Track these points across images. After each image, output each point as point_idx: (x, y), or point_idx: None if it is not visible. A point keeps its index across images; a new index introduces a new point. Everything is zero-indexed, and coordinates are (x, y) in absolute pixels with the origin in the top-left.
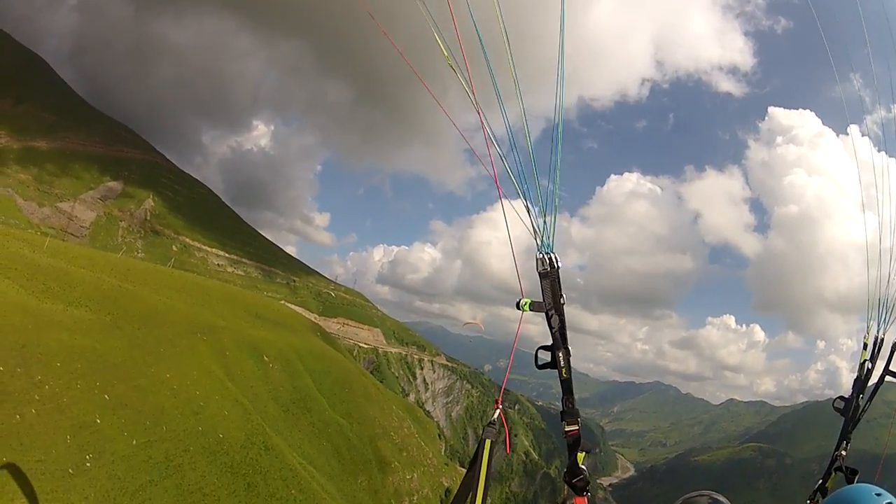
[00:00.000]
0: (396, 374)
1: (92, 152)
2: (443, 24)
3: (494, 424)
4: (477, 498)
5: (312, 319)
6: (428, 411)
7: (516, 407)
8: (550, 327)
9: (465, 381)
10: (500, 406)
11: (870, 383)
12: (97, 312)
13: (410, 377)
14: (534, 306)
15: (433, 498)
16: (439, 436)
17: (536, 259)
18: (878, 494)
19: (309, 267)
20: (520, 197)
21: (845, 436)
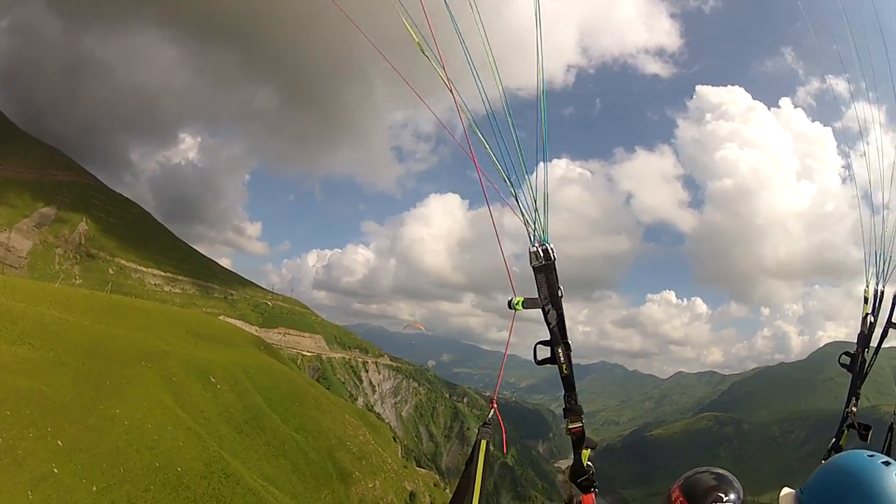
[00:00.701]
0: (342, 380)
1: (25, 178)
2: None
3: (489, 425)
4: (473, 498)
5: (253, 332)
6: (378, 414)
7: (465, 400)
8: (548, 323)
9: (411, 380)
10: (496, 406)
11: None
12: (40, 349)
13: (356, 381)
14: (527, 303)
15: (398, 503)
16: (394, 438)
17: (530, 252)
18: (871, 456)
19: (245, 278)
20: (508, 188)
21: (854, 392)
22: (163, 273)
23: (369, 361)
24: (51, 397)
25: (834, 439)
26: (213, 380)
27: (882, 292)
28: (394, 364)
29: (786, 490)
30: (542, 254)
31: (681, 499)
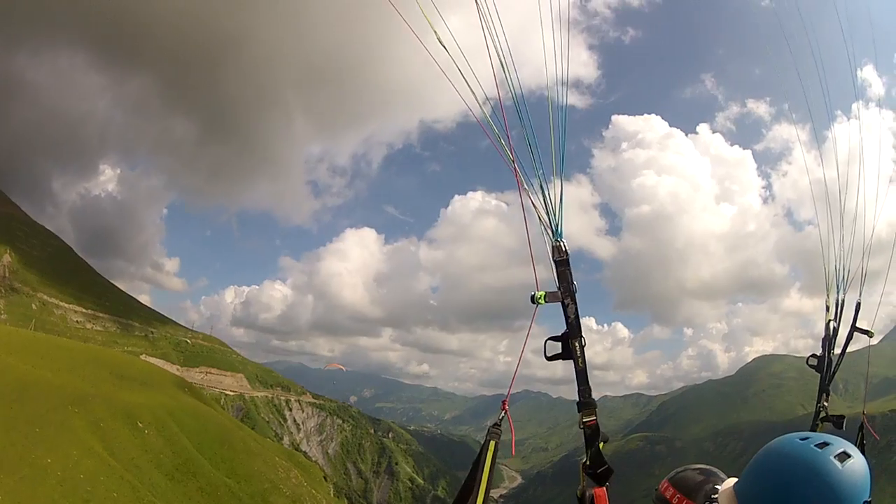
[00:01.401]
0: (266, 419)
1: None
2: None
3: (499, 426)
4: (478, 498)
5: (175, 371)
6: (305, 452)
7: (390, 435)
8: (566, 316)
9: (335, 417)
10: (507, 408)
11: (837, 341)
12: None
13: (281, 420)
14: (549, 297)
15: None
16: (324, 478)
17: (552, 247)
18: (804, 439)
19: (164, 316)
20: (528, 186)
21: (824, 388)
22: (84, 310)
23: (292, 399)
24: None
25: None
26: (140, 424)
27: (843, 300)
28: (317, 401)
29: (728, 482)
30: (563, 247)
31: (678, 495)
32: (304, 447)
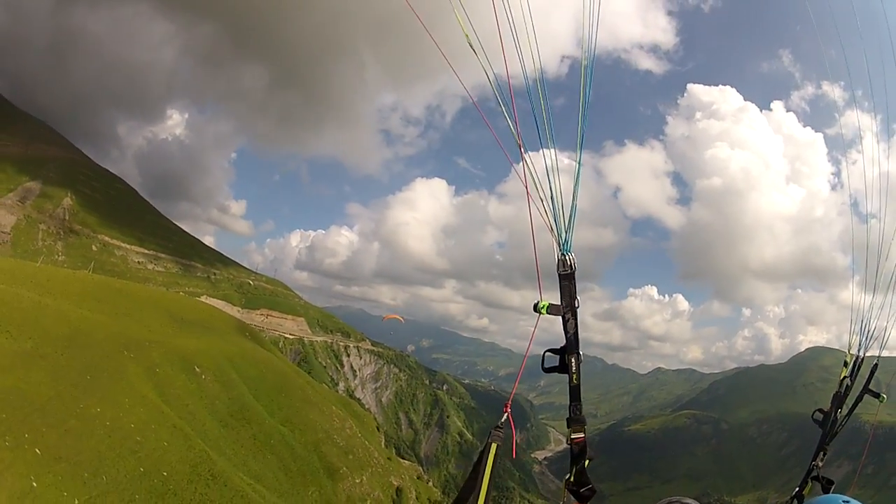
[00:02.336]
0: (324, 364)
1: (10, 153)
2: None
3: (501, 428)
4: (479, 500)
5: (236, 313)
6: (359, 399)
7: (444, 388)
8: (566, 331)
9: (391, 365)
10: (509, 410)
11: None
12: (17, 339)
13: (338, 365)
14: (551, 309)
15: (385, 499)
16: (378, 428)
17: (558, 260)
18: (846, 502)
19: (228, 258)
20: (540, 196)
21: (822, 447)
22: (146, 251)
23: (351, 346)
24: (28, 396)
25: (798, 488)
26: (197, 370)
27: (862, 359)
28: (375, 349)
29: None
30: (569, 261)
31: None
32: (358, 394)
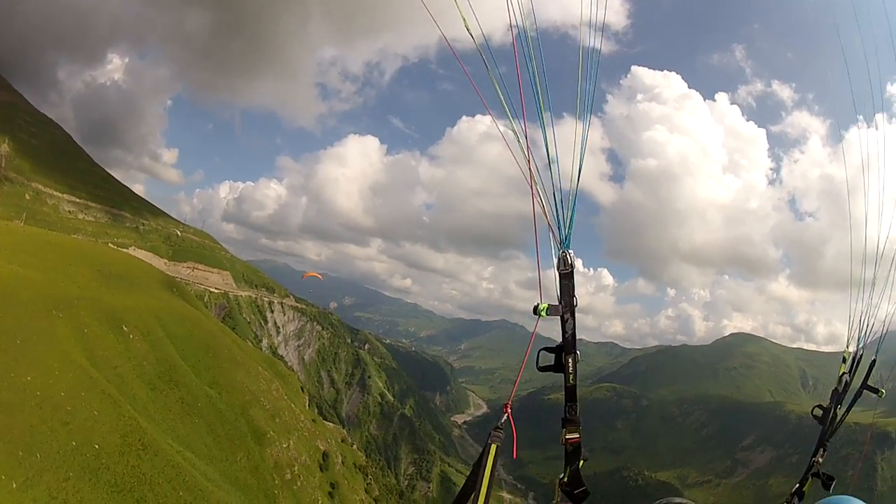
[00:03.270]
0: (248, 320)
1: None
2: None
3: (501, 429)
4: (479, 502)
5: (163, 266)
6: (281, 356)
7: (367, 347)
8: (564, 331)
9: (315, 323)
10: (509, 410)
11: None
12: None
13: (262, 321)
14: (550, 311)
15: (311, 464)
16: (302, 389)
17: (559, 258)
18: None
19: (157, 208)
20: (540, 191)
21: (822, 443)
22: (77, 199)
23: (275, 301)
24: None
25: (798, 485)
26: (125, 329)
27: (861, 355)
28: (298, 305)
29: None
30: (569, 259)
31: None
32: (281, 351)
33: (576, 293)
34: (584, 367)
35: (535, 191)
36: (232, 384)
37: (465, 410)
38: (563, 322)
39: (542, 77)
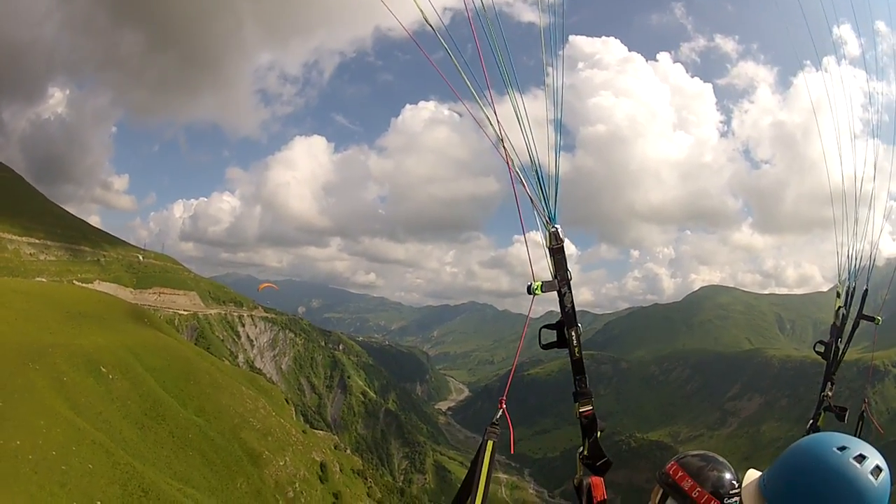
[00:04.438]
0: (221, 337)
1: None
2: None
3: (497, 425)
4: (477, 499)
5: (129, 295)
6: (259, 370)
7: (341, 347)
8: (562, 306)
9: (287, 331)
10: (504, 406)
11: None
12: None
13: (235, 337)
14: (545, 287)
15: (311, 477)
16: (287, 400)
17: (549, 234)
18: (842, 448)
19: (115, 237)
20: (520, 171)
21: (829, 377)
22: (36, 240)
23: (245, 315)
24: None
25: (811, 420)
26: (103, 370)
27: (854, 288)
28: (268, 315)
29: (750, 475)
30: (559, 234)
31: (680, 472)
32: (258, 364)
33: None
34: None
35: (513, 170)
36: (218, 409)
37: (447, 397)
38: (561, 296)
39: (506, 51)
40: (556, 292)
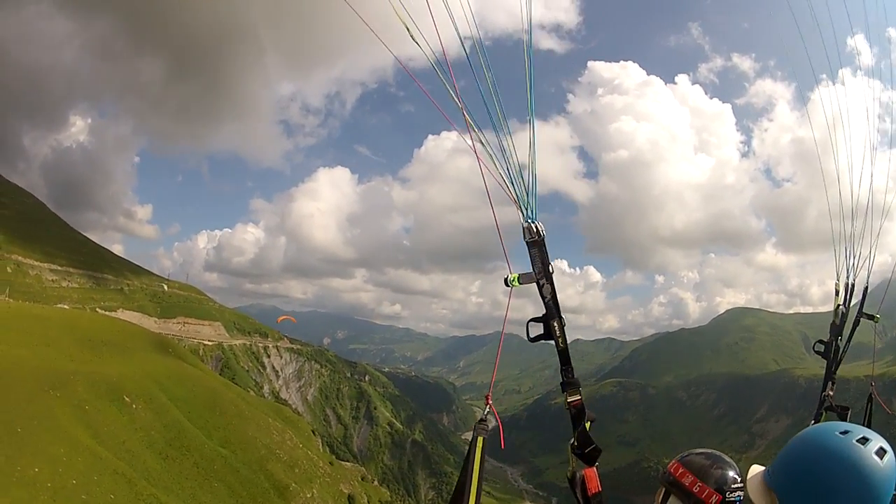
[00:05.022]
0: (246, 368)
1: None
2: None
3: (486, 421)
4: (471, 497)
5: (153, 324)
6: (285, 400)
7: (367, 378)
8: (543, 297)
9: (312, 362)
10: (491, 402)
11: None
12: None
13: (260, 368)
14: (523, 279)
15: None
16: (313, 432)
17: (523, 228)
18: (844, 432)
19: (139, 266)
20: (496, 168)
21: (830, 376)
22: (59, 267)
23: (270, 346)
24: None
25: (813, 421)
26: (126, 399)
27: (852, 285)
28: (293, 346)
29: (754, 469)
30: (535, 229)
31: (681, 469)
32: (283, 395)
33: (551, 262)
34: (586, 366)
35: (481, 163)
36: (244, 440)
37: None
38: (540, 288)
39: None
40: (535, 284)
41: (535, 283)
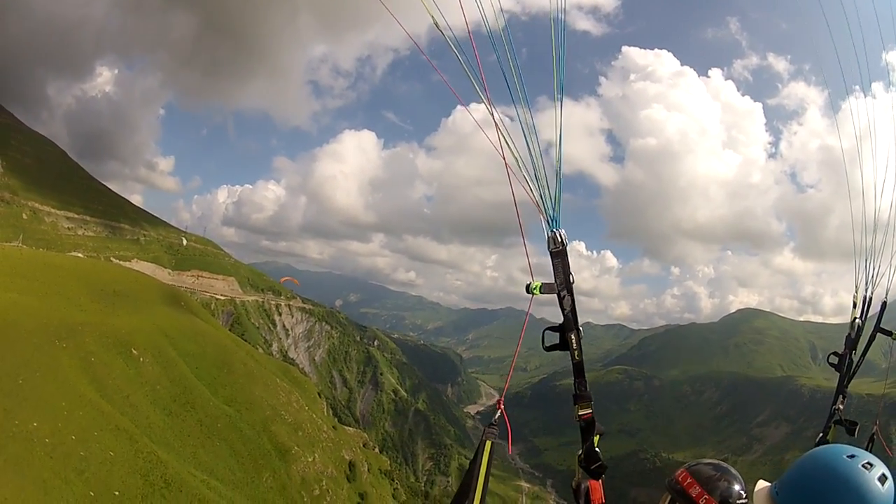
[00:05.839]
0: (256, 325)
1: None
2: None
3: (496, 425)
4: (475, 499)
5: (167, 276)
6: (293, 360)
7: (375, 343)
8: (562, 308)
9: (323, 323)
10: (503, 407)
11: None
12: None
13: (270, 325)
14: (545, 288)
15: (339, 476)
16: (319, 394)
17: (548, 237)
18: (851, 456)
19: (157, 217)
20: (522, 173)
21: (841, 390)
22: (76, 216)
23: (282, 304)
24: None
25: (821, 434)
26: (134, 352)
27: (870, 298)
28: (306, 306)
29: (761, 484)
30: (559, 238)
31: (689, 479)
32: (291, 353)
33: (573, 272)
34: (594, 350)
35: (510, 172)
36: (251, 400)
37: (476, 401)
38: (560, 299)
39: (513, 51)
40: (556, 295)
41: (555, 294)
